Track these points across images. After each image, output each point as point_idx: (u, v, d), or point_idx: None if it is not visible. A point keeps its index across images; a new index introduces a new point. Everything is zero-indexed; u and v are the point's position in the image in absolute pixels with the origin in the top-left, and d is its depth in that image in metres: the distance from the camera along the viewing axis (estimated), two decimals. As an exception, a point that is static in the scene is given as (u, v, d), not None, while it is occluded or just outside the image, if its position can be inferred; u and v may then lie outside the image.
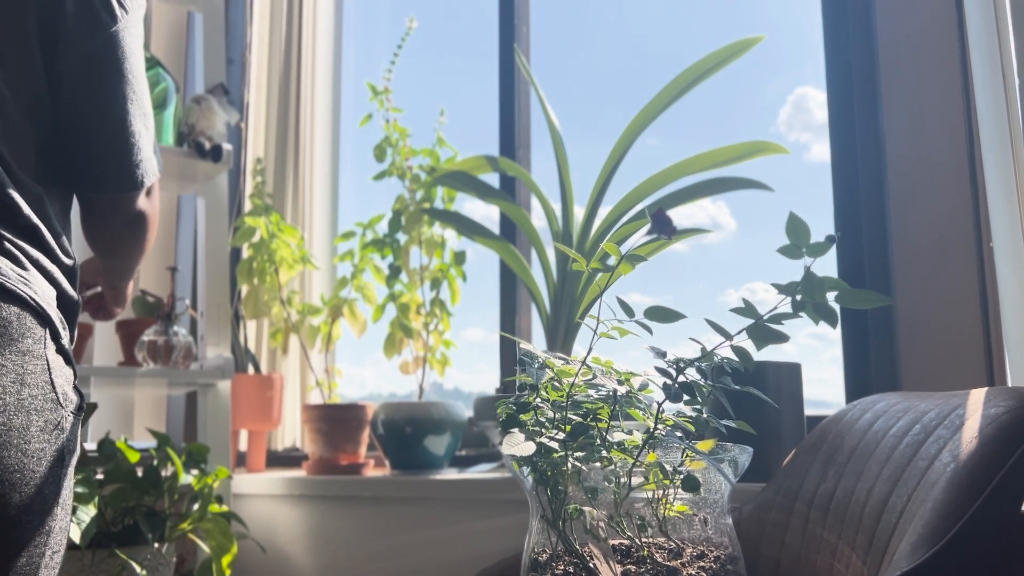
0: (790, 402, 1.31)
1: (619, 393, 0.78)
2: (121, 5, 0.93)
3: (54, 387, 0.80)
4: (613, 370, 0.83)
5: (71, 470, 0.83)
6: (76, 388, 0.86)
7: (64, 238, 0.91)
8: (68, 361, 0.86)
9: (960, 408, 0.86)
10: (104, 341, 2.00)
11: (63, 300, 0.89)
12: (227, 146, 1.76)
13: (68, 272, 0.91)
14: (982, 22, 1.21)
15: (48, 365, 0.80)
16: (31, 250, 0.85)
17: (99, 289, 1.29)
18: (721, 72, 1.63)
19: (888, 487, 0.88)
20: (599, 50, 2.14)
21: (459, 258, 1.90)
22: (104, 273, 1.18)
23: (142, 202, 1.02)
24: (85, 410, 0.88)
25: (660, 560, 0.78)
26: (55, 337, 0.83)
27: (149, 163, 0.99)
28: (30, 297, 0.80)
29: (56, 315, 0.85)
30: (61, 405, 0.81)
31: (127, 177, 0.96)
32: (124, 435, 1.79)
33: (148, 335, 1.66)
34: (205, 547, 1.50)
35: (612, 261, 0.76)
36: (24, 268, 0.83)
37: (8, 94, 0.87)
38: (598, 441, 0.77)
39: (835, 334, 1.58)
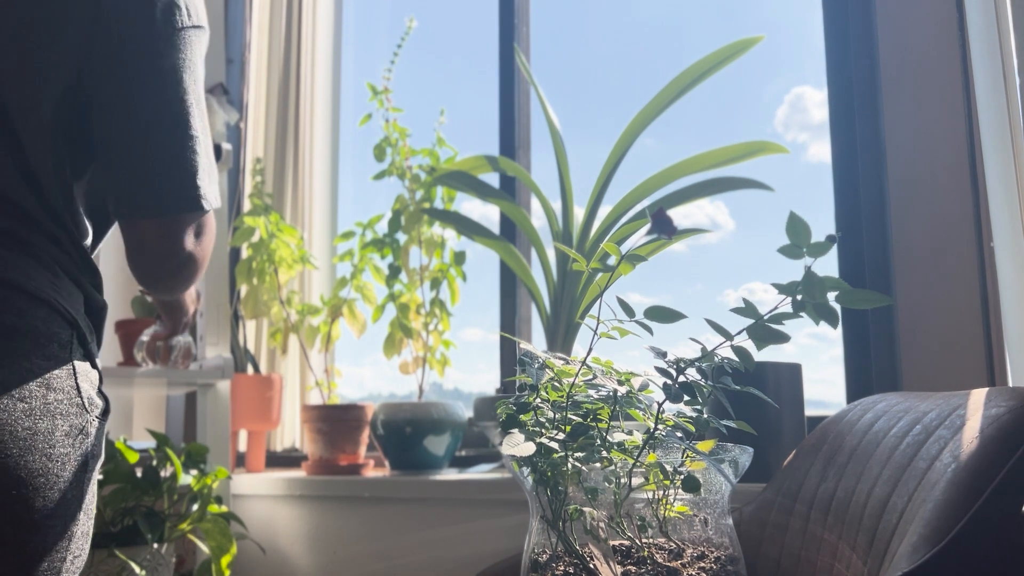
0: (790, 402, 1.31)
1: (619, 393, 0.77)
2: (184, 15, 0.88)
3: (79, 392, 0.80)
4: (613, 370, 0.83)
5: (95, 475, 0.83)
6: (101, 392, 0.86)
7: (87, 244, 0.91)
8: (94, 366, 0.86)
9: (961, 408, 0.85)
10: (103, 341, 1.99)
11: (90, 305, 0.89)
12: (226, 146, 1.76)
13: (94, 277, 0.90)
14: (983, 22, 1.21)
15: (74, 370, 0.80)
16: (60, 255, 0.85)
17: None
18: (719, 72, 1.63)
19: (889, 487, 0.88)
20: (599, 50, 2.14)
21: (459, 258, 1.90)
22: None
23: (190, 241, 0.92)
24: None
25: (660, 561, 0.78)
26: (82, 342, 0.84)
27: (210, 188, 0.90)
28: (57, 302, 0.80)
29: (83, 320, 0.85)
30: (86, 410, 0.81)
31: (186, 196, 0.87)
32: (123, 435, 1.78)
33: (147, 335, 1.66)
34: (204, 548, 1.50)
35: (612, 261, 0.76)
36: (54, 274, 0.83)
37: (48, 108, 0.84)
38: (598, 441, 0.77)
39: (835, 334, 1.57)
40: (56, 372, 0.78)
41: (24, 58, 0.84)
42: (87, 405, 0.81)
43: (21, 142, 0.83)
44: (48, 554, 0.76)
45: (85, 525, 0.82)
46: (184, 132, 0.87)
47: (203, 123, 0.90)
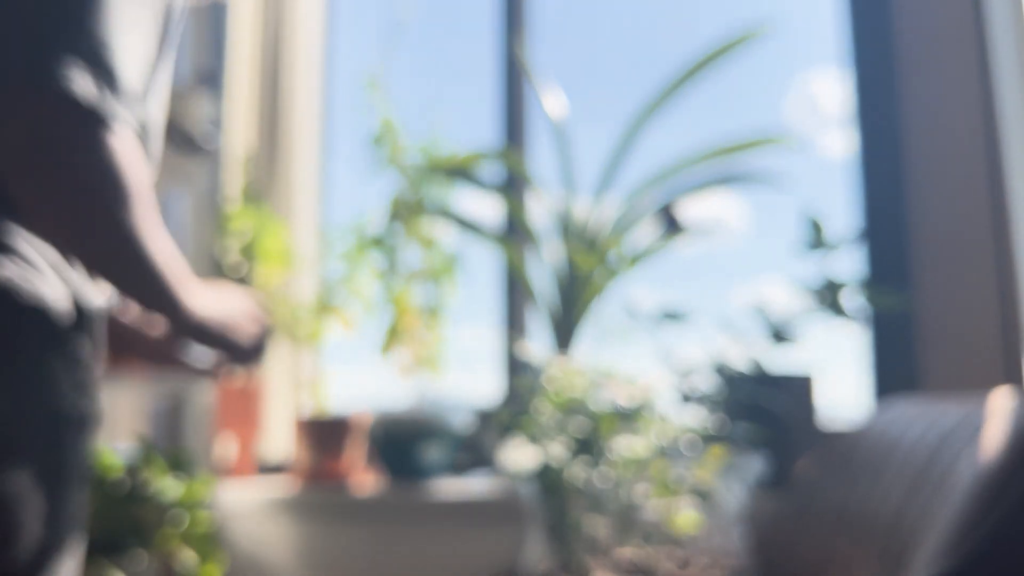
0: (804, 410, 1.28)
1: (626, 401, 0.74)
2: None
3: (67, 397, 0.77)
4: (618, 374, 0.79)
5: (84, 486, 0.81)
6: (93, 400, 0.82)
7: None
8: (88, 370, 0.82)
9: (978, 413, 0.83)
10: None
11: (81, 305, 0.85)
12: (212, 140, 1.72)
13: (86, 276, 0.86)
14: (1002, 17, 1.18)
15: (54, 371, 0.76)
16: (49, 252, 0.80)
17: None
18: (728, 63, 1.60)
19: (904, 495, 0.85)
20: (600, 42, 2.11)
21: (456, 256, 1.86)
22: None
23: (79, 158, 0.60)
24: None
25: (668, 571, 0.75)
26: (68, 342, 0.79)
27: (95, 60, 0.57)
28: (46, 298, 0.76)
29: (73, 319, 0.81)
30: (74, 417, 0.78)
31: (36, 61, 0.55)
32: (106, 441, 1.74)
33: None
34: (189, 557, 1.47)
35: (617, 258, 0.72)
36: (40, 270, 0.78)
37: None
38: (603, 449, 0.74)
39: (851, 338, 1.55)
40: (46, 377, 0.75)
41: None
42: (74, 411, 0.78)
43: None
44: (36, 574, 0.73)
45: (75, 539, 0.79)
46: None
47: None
